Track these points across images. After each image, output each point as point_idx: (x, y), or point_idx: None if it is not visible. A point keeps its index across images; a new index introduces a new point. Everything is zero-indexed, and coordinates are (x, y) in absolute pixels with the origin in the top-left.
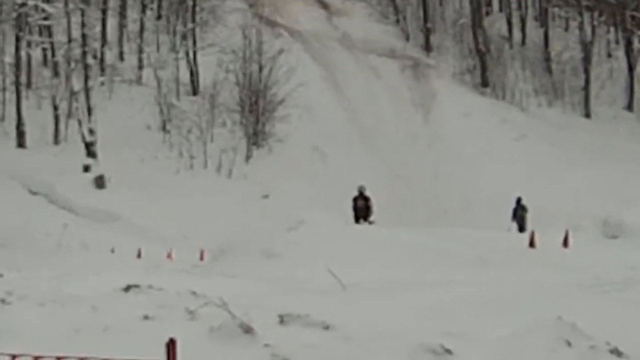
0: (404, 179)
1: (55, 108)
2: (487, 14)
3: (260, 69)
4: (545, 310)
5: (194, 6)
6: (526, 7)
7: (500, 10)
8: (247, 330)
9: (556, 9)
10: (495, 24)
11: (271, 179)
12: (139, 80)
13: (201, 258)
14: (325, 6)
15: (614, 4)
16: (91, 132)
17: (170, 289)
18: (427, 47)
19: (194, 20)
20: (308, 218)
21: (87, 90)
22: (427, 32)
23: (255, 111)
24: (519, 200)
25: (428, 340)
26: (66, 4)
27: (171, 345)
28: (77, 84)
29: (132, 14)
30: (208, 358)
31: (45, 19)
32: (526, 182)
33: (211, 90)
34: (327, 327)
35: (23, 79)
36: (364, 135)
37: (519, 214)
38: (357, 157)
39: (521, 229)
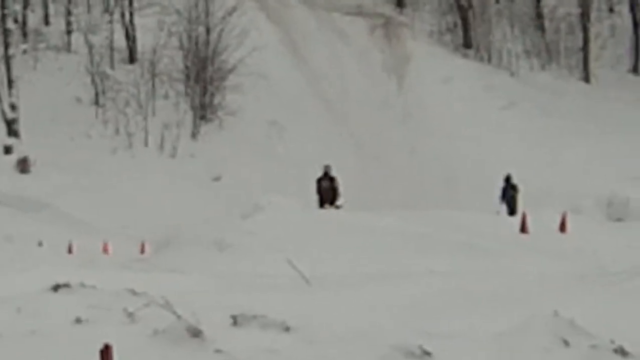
0: (377, 156)
1: None
2: None
3: (208, 31)
4: (540, 305)
5: None
6: None
7: None
8: (196, 333)
9: None
10: None
11: (222, 159)
12: (67, 47)
13: (142, 251)
14: None
15: None
16: (13, 107)
17: (107, 288)
18: (400, 3)
19: None
20: (266, 203)
21: (7, 60)
22: None
23: (203, 80)
24: (508, 179)
25: (404, 341)
26: None
27: (106, 351)
28: None
29: None
30: None
31: None
32: (517, 157)
33: (151, 57)
34: (287, 329)
35: None
36: (329, 107)
37: (509, 194)
38: (322, 131)
39: (512, 211)
